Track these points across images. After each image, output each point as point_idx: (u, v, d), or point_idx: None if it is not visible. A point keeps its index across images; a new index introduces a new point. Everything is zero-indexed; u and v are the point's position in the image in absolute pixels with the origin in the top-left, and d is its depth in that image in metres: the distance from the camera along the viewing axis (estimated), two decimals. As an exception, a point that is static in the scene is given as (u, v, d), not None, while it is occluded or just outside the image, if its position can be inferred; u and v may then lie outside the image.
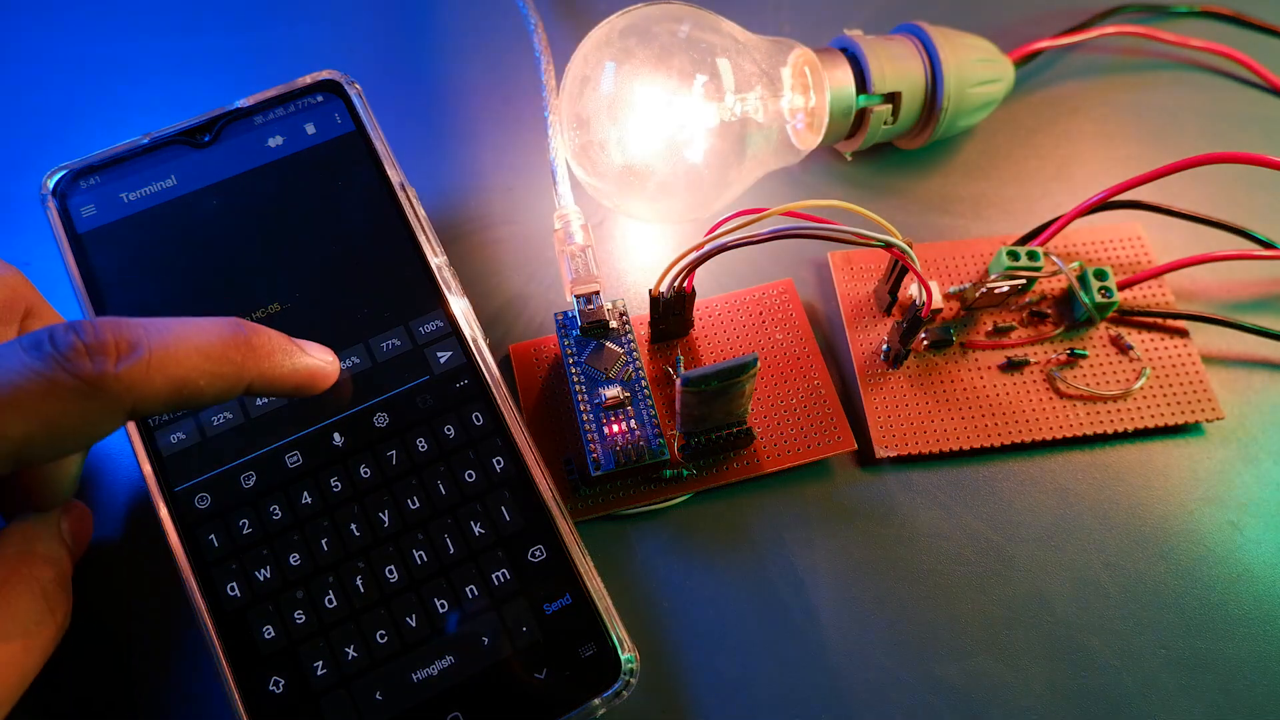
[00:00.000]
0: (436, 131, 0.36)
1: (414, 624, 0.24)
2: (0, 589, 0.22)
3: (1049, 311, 0.31)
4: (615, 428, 0.27)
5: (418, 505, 0.25)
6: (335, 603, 0.24)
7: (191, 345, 0.21)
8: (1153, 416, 0.30)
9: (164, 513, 0.25)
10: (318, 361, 0.24)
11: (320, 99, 0.29)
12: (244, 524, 0.25)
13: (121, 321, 0.20)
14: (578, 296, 0.28)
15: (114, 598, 0.27)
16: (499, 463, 0.26)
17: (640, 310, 0.31)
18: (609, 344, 0.29)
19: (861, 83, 0.31)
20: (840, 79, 0.31)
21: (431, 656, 0.24)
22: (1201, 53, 0.38)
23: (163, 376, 0.20)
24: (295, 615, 0.24)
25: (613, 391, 0.28)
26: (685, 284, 0.28)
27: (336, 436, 0.26)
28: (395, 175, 0.29)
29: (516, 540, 0.25)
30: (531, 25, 0.33)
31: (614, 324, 0.29)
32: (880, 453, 0.29)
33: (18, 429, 0.19)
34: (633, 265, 0.33)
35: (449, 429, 0.26)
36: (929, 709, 0.26)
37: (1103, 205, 0.30)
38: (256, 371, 0.22)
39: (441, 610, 0.24)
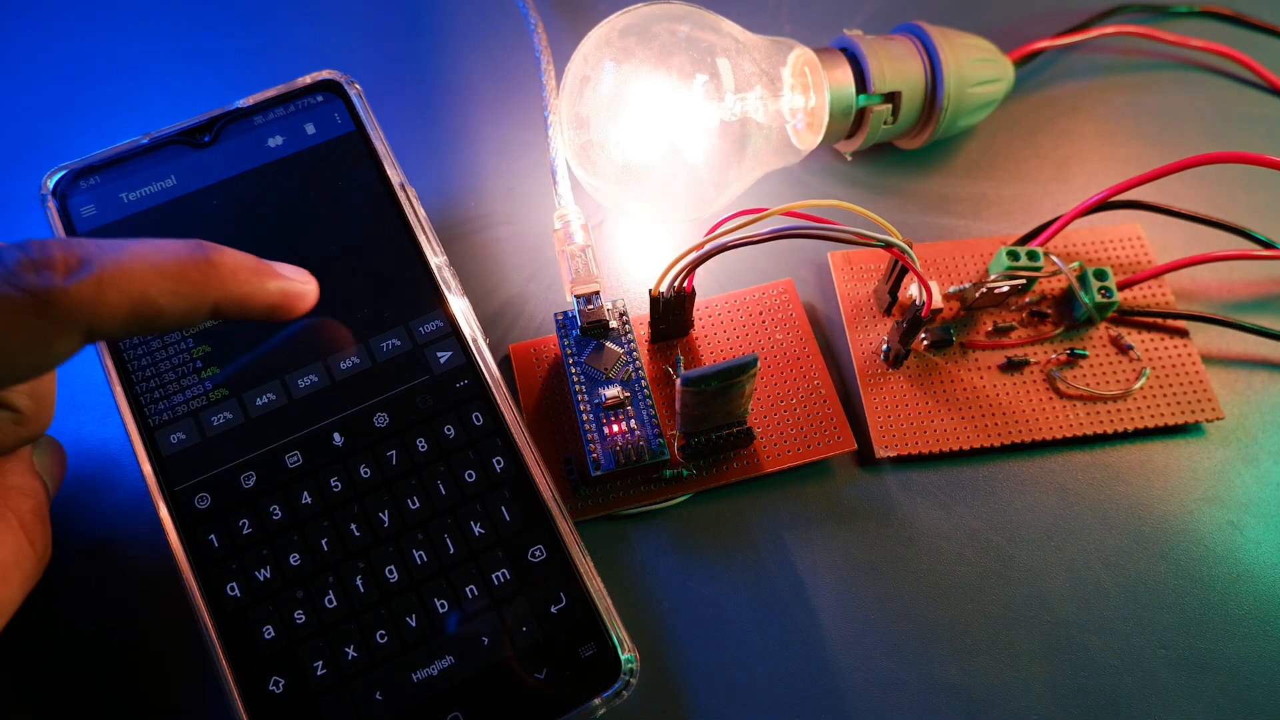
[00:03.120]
0: (436, 131, 0.36)
1: (414, 624, 0.24)
2: None
3: (1049, 311, 0.31)
4: (615, 428, 0.27)
5: (418, 505, 0.25)
6: (335, 603, 0.24)
7: (148, 262, 0.20)
8: (1153, 416, 0.30)
9: (164, 513, 0.25)
10: (292, 282, 0.23)
11: (320, 99, 0.29)
12: (244, 524, 0.25)
13: (73, 240, 0.19)
14: (578, 296, 0.28)
15: (114, 597, 0.27)
16: (499, 463, 0.26)
17: (640, 310, 0.31)
18: (609, 344, 0.29)
19: (861, 83, 0.31)
20: (840, 79, 0.31)
21: (431, 656, 0.24)
22: (1201, 53, 0.38)
23: (117, 293, 0.19)
24: (295, 615, 0.24)
25: (613, 391, 0.28)
26: (685, 284, 0.28)
27: (336, 436, 0.26)
28: (395, 175, 0.29)
29: (516, 540, 0.25)
30: (531, 25, 0.33)
31: (614, 324, 0.29)
32: (880, 453, 0.29)
33: None
34: (633, 265, 0.33)
35: (449, 429, 0.26)
36: (929, 709, 0.26)
37: (1103, 205, 0.30)
38: (221, 290, 0.21)
39: (441, 610, 0.24)
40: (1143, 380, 0.30)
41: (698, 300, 0.31)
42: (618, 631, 0.24)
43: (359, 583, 0.24)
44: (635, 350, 0.29)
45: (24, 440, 0.24)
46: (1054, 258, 0.31)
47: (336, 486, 0.25)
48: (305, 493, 0.25)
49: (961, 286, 0.31)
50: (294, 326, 0.27)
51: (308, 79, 0.30)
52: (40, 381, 0.24)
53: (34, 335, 0.19)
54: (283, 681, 0.23)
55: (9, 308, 0.18)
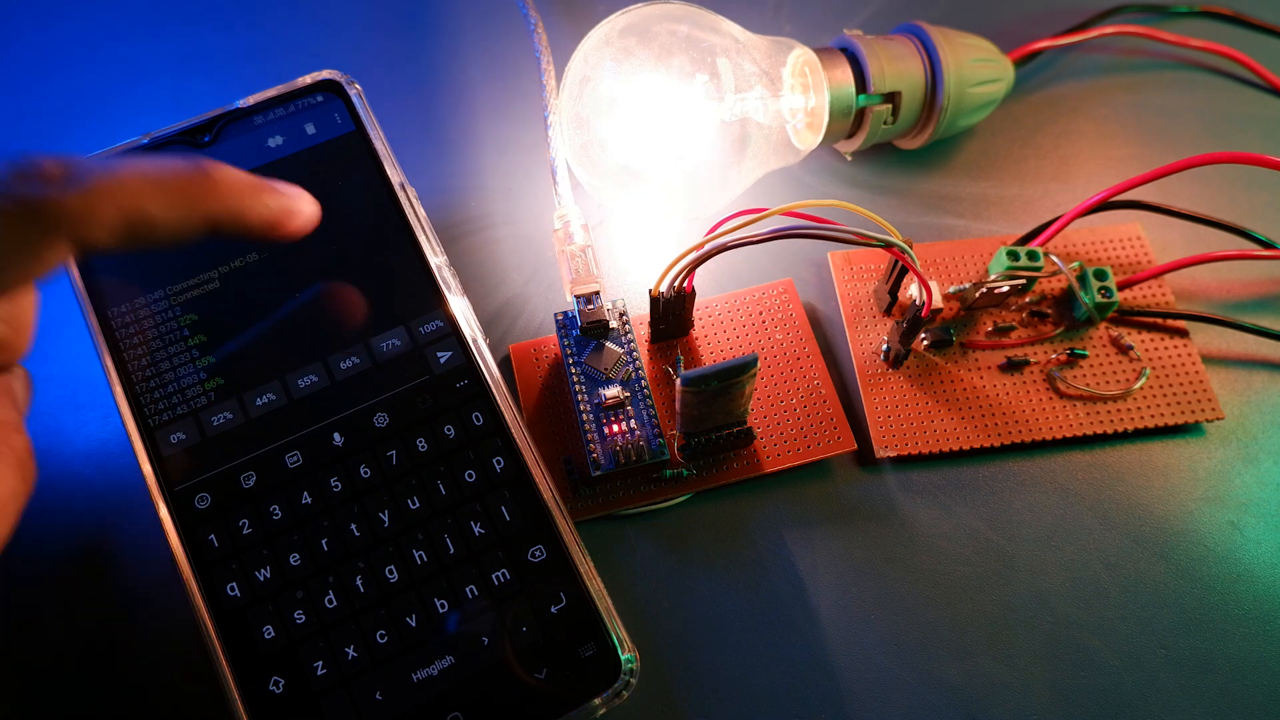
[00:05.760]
0: (436, 131, 0.36)
1: (414, 624, 0.24)
2: None
3: (1049, 311, 0.31)
4: (615, 428, 0.27)
5: (418, 505, 0.25)
6: (335, 602, 0.24)
7: (142, 174, 0.20)
8: (1153, 416, 0.30)
9: (164, 513, 0.25)
10: (290, 199, 0.23)
11: (320, 99, 0.29)
12: (244, 524, 0.25)
13: (68, 156, 0.19)
14: (578, 296, 0.28)
15: (114, 598, 0.27)
16: (499, 463, 0.26)
17: (640, 310, 0.31)
18: (609, 344, 0.29)
19: (861, 83, 0.31)
20: (840, 79, 0.31)
21: (432, 656, 0.24)
22: (1201, 53, 0.38)
23: (109, 203, 0.19)
24: (295, 615, 0.24)
25: (613, 391, 0.28)
26: (685, 284, 0.28)
27: (336, 436, 0.26)
28: (395, 175, 0.29)
29: (516, 540, 0.25)
30: (531, 25, 0.33)
31: (614, 324, 0.29)
32: (880, 453, 0.29)
33: None
34: (633, 265, 0.33)
35: (449, 429, 0.26)
36: (929, 709, 0.26)
37: (1103, 205, 0.30)
38: (218, 203, 0.21)
39: (441, 610, 0.24)
40: (1143, 380, 0.30)
41: (698, 300, 0.31)
42: (618, 631, 0.24)
43: (359, 583, 0.24)
44: (635, 350, 0.29)
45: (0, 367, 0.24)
46: (1054, 258, 0.31)
47: (336, 486, 0.25)
48: (305, 493, 0.25)
49: (961, 286, 0.31)
50: (294, 322, 0.27)
51: (308, 79, 0.30)
52: (19, 308, 0.23)
53: (20, 243, 0.19)
54: (283, 681, 0.23)
55: None
